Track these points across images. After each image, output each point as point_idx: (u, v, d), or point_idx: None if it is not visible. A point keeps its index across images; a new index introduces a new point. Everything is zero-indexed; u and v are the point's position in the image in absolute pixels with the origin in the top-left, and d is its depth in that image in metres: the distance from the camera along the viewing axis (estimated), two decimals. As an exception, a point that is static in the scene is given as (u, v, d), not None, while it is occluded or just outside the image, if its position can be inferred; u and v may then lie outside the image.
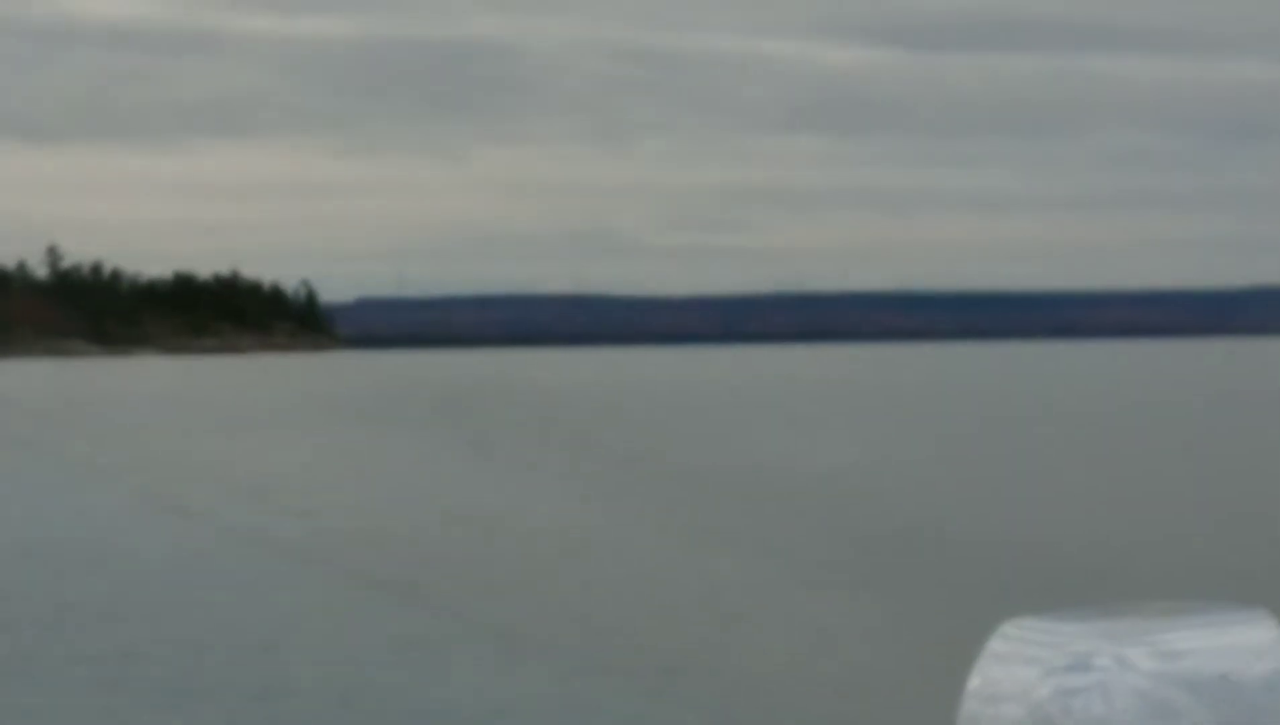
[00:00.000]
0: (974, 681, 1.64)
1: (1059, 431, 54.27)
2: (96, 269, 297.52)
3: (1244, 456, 40.65)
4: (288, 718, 17.98)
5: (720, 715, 16.39)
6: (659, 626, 22.20)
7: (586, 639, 19.23)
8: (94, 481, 46.11)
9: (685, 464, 49.97)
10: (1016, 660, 1.65)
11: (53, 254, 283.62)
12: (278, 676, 19.58)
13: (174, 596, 26.28)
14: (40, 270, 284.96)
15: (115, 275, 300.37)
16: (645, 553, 29.40)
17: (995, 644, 1.67)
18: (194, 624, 23.27)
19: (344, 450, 59.69)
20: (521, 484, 42.47)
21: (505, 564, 29.53)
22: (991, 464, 42.72)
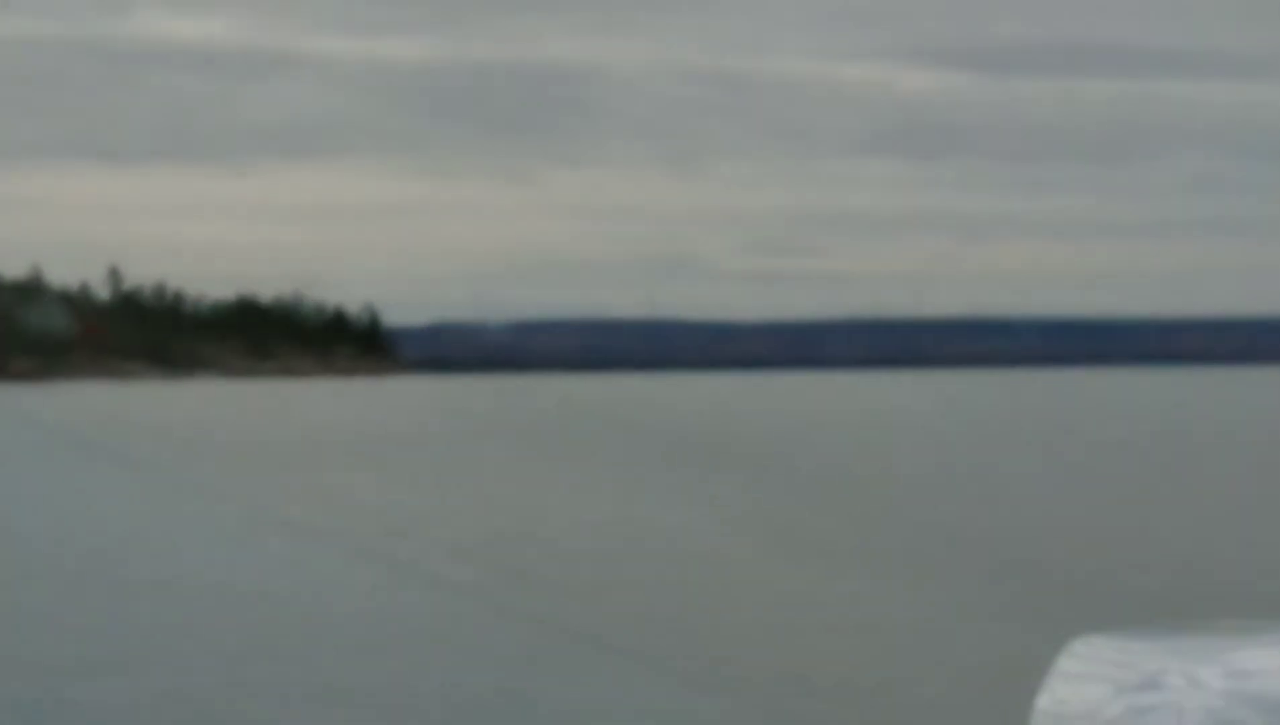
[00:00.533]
0: (1043, 700, 1.63)
1: (1145, 455, 54.03)
2: (159, 291, 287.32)
3: None
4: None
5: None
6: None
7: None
8: (269, 521, 37.96)
9: (819, 485, 48.90)
10: (1087, 679, 1.65)
11: (115, 275, 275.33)
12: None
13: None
14: (102, 292, 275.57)
15: (178, 297, 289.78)
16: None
17: (1065, 662, 1.69)
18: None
19: (482, 478, 54.82)
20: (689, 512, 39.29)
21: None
22: (1097, 485, 42.61)
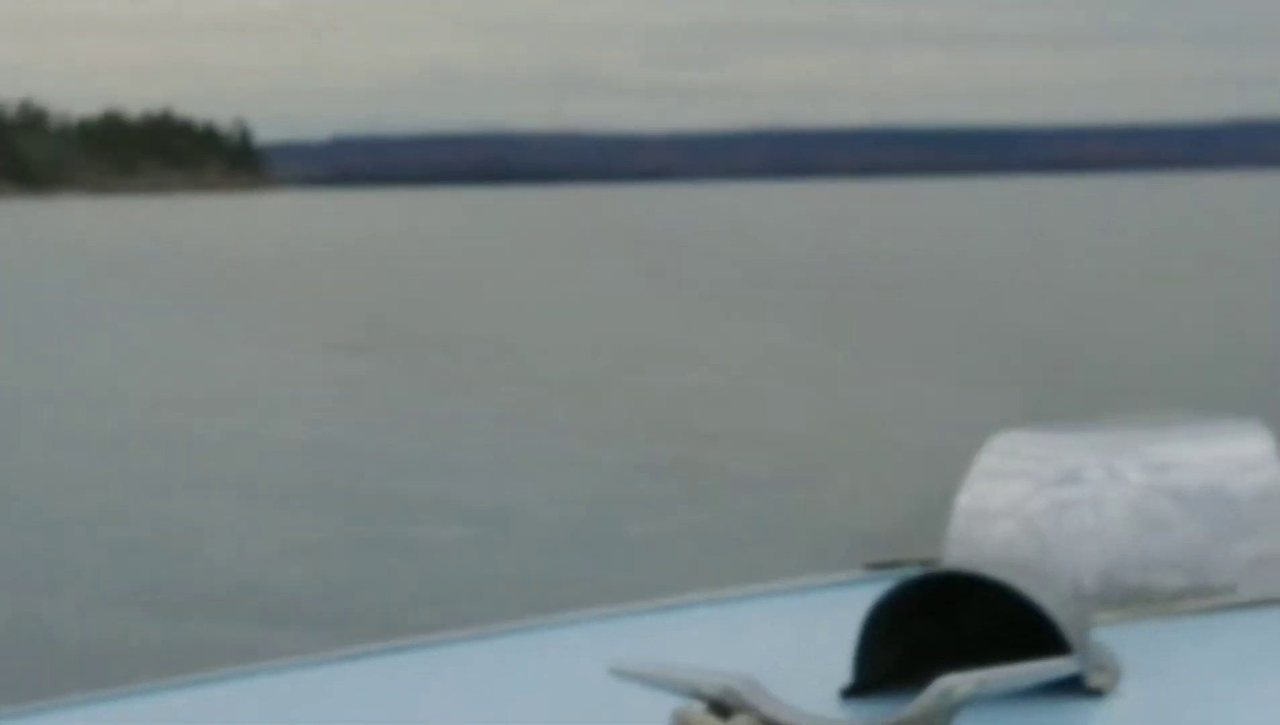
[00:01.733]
0: (964, 498, 1.64)
1: (1063, 261, 53.94)
2: (24, 107, 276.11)
3: (1239, 281, 40.63)
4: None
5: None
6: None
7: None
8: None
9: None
10: (1008, 475, 1.67)
11: None
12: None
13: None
14: None
15: (40, 114, 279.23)
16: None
17: (986, 458, 1.69)
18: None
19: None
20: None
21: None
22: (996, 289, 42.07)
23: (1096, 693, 1.28)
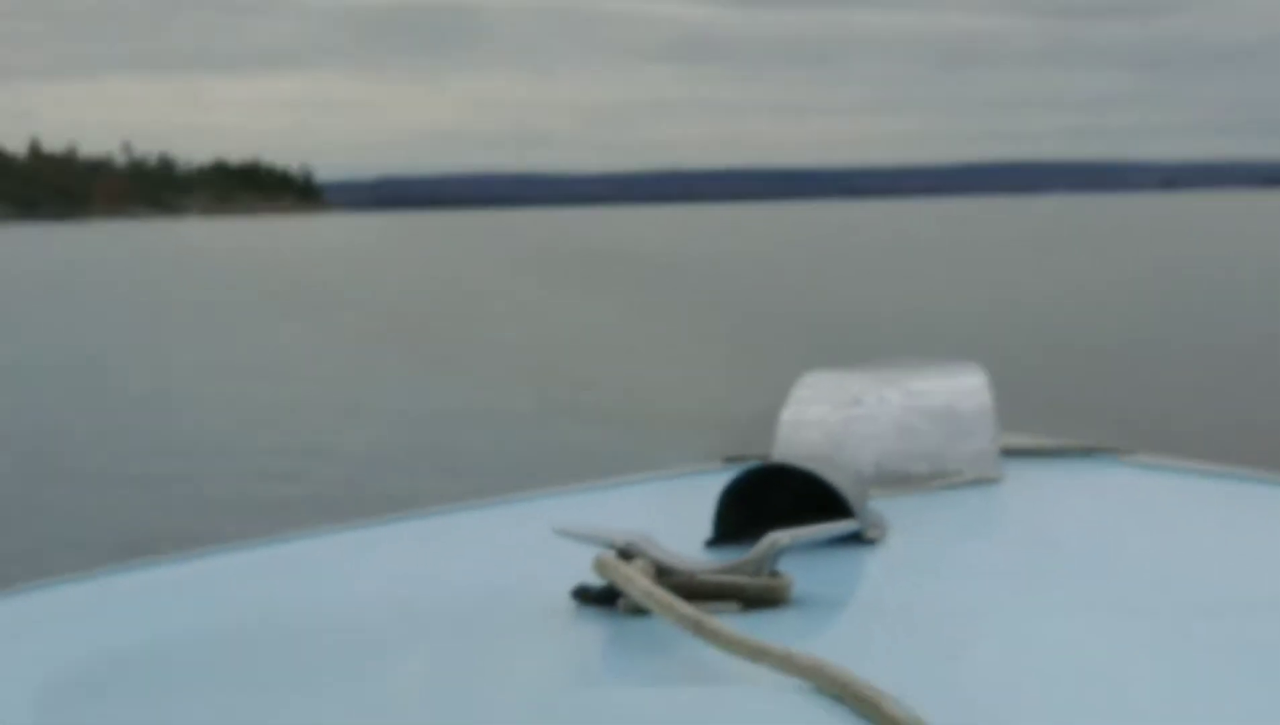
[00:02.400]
0: (786, 414, 1.67)
1: (847, 257, 51.87)
2: (161, 158, 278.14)
3: (955, 274, 39.41)
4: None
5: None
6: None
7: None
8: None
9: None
10: (814, 401, 1.69)
11: (127, 149, 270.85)
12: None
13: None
14: (120, 159, 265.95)
15: (170, 162, 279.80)
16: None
17: (799, 390, 1.73)
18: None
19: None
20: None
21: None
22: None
23: (870, 542, 1.30)
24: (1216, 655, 0.94)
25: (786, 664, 0.85)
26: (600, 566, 1.03)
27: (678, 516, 1.35)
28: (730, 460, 1.63)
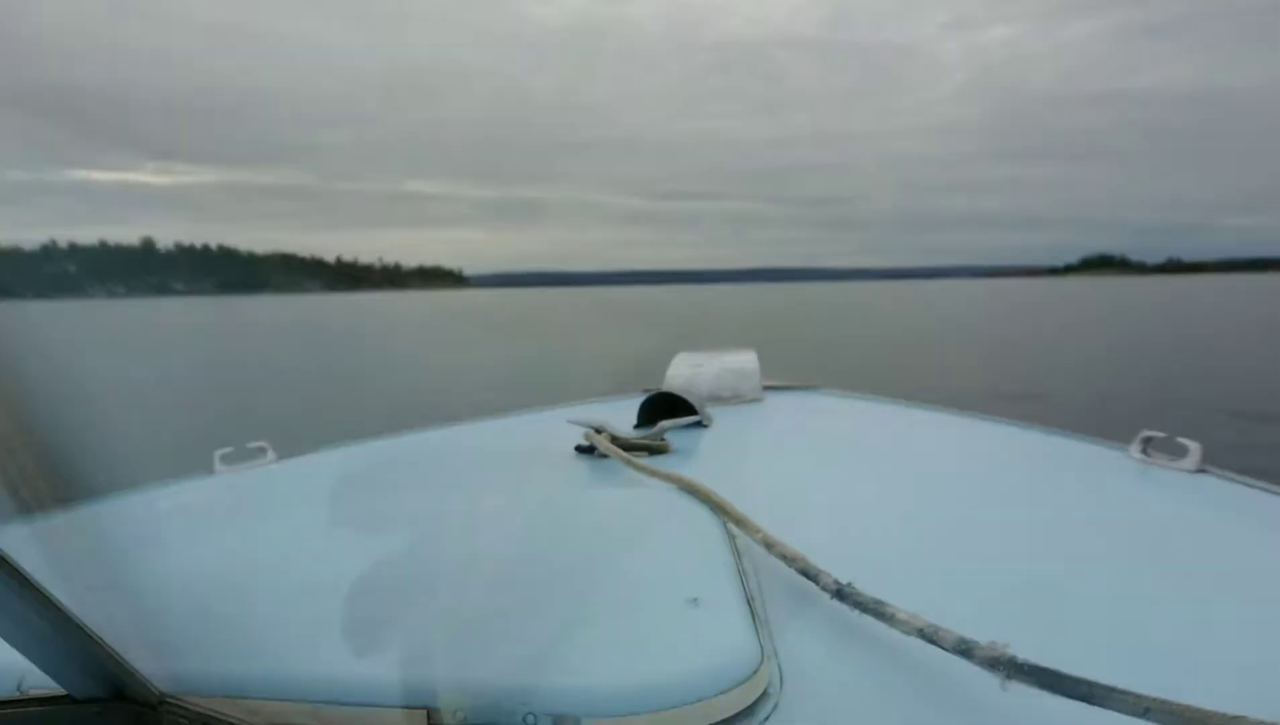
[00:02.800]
0: (670, 371, 2.27)
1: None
2: (396, 264, 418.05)
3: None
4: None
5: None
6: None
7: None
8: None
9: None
10: (682, 364, 2.29)
11: (380, 259, 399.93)
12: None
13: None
14: (377, 265, 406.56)
15: (400, 266, 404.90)
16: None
17: (675, 360, 2.31)
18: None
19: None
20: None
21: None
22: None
23: (706, 426, 1.87)
24: (879, 480, 1.42)
25: (668, 478, 1.31)
26: (587, 436, 1.59)
27: (623, 414, 1.90)
28: (646, 390, 2.17)
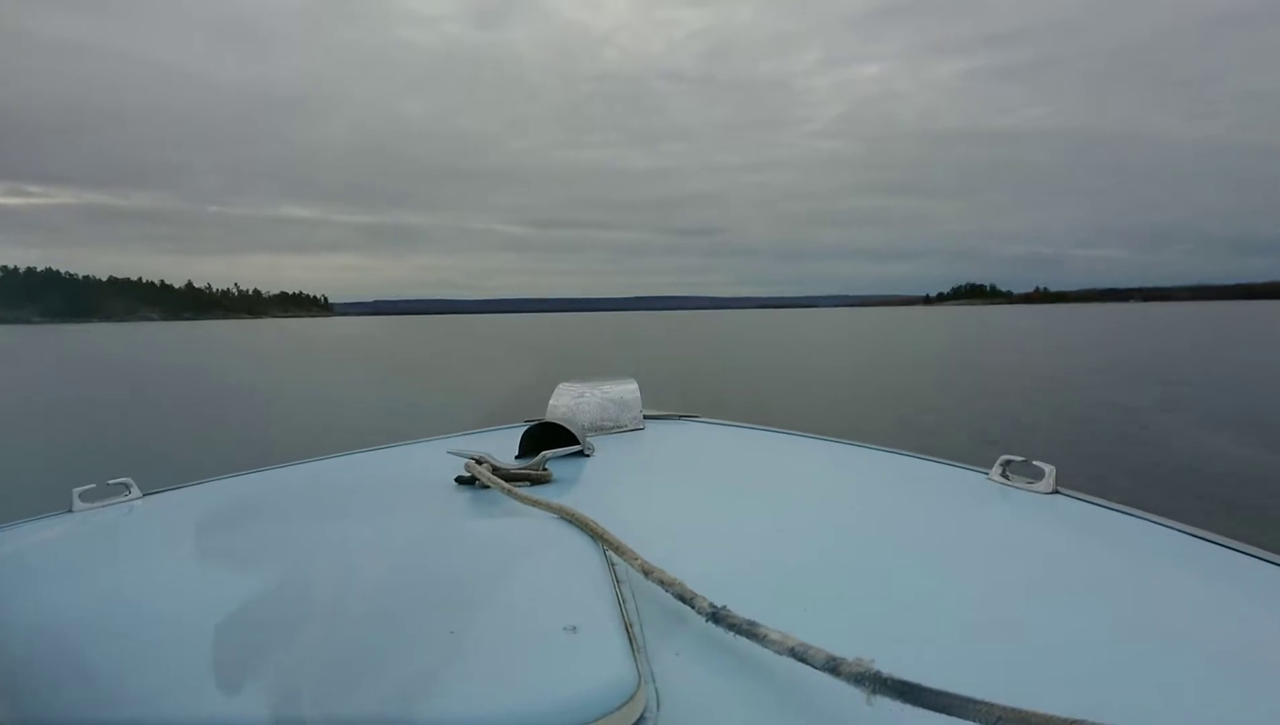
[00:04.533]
0: (552, 401, 2.27)
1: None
2: (255, 291, 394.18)
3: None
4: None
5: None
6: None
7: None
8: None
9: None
10: (563, 394, 2.30)
11: (237, 286, 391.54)
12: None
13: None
14: (234, 291, 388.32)
15: (259, 292, 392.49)
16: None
17: (558, 390, 2.33)
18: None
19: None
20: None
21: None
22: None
23: (588, 456, 1.90)
24: (753, 506, 1.49)
25: (548, 507, 1.33)
26: (467, 467, 1.59)
27: (505, 444, 1.93)
28: (529, 421, 2.21)
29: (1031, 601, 1.07)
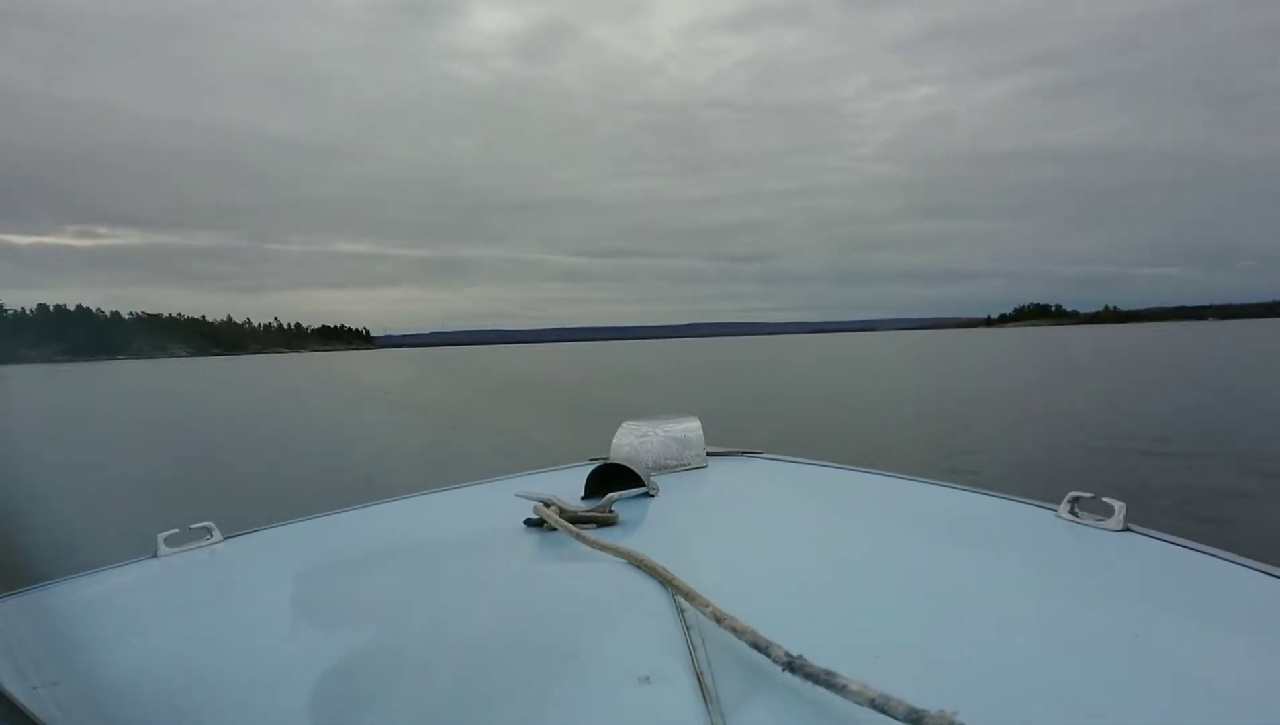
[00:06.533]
0: (615, 440, 2.30)
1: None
2: (296, 325, 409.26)
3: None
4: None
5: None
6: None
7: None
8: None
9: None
10: (627, 433, 2.31)
11: (277, 319, 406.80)
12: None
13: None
14: (274, 324, 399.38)
15: (301, 326, 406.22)
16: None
17: (621, 429, 2.35)
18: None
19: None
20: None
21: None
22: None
23: (652, 496, 1.91)
24: (821, 546, 1.50)
25: (615, 550, 1.36)
26: (536, 510, 1.63)
27: (572, 485, 1.94)
28: (594, 460, 2.26)
29: (1106, 646, 1.07)
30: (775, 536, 1.59)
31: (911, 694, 0.86)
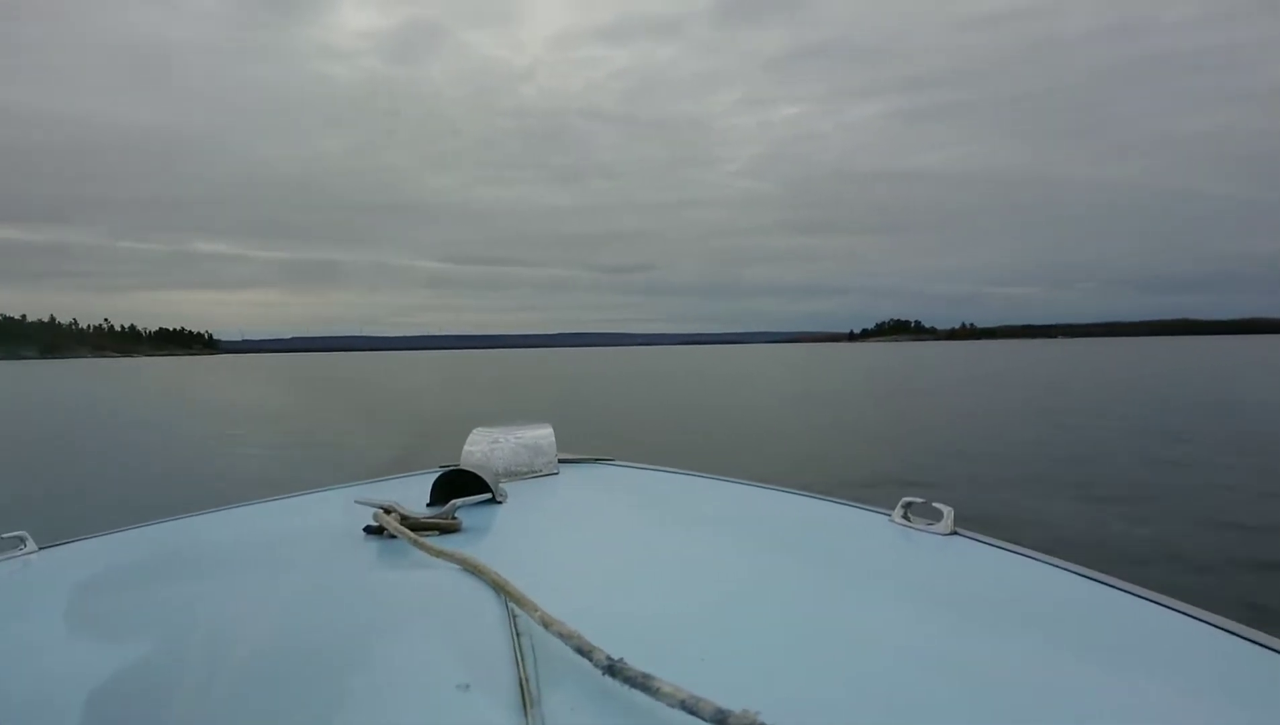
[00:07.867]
0: (466, 447, 2.30)
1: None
2: (132, 327, 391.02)
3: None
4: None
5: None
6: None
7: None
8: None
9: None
10: (477, 440, 2.33)
11: (108, 321, 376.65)
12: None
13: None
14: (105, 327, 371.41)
15: (136, 329, 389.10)
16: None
17: (471, 436, 2.36)
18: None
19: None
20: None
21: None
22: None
23: (500, 503, 1.90)
24: (659, 551, 1.53)
25: (452, 557, 1.36)
26: (375, 517, 1.61)
27: (418, 492, 1.93)
28: (443, 467, 2.24)
29: (918, 646, 1.10)
30: (616, 543, 1.61)
31: (724, 695, 0.89)
